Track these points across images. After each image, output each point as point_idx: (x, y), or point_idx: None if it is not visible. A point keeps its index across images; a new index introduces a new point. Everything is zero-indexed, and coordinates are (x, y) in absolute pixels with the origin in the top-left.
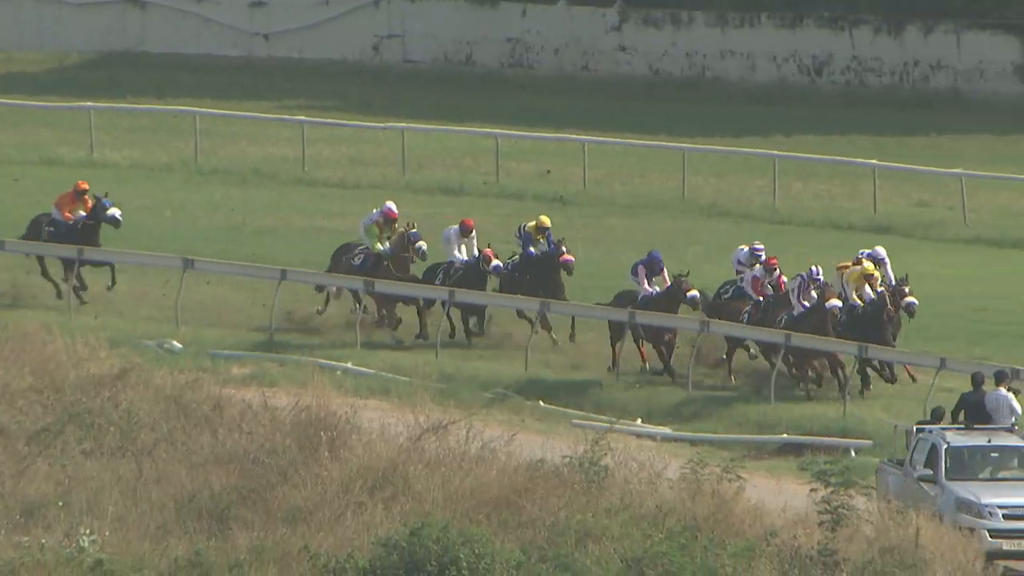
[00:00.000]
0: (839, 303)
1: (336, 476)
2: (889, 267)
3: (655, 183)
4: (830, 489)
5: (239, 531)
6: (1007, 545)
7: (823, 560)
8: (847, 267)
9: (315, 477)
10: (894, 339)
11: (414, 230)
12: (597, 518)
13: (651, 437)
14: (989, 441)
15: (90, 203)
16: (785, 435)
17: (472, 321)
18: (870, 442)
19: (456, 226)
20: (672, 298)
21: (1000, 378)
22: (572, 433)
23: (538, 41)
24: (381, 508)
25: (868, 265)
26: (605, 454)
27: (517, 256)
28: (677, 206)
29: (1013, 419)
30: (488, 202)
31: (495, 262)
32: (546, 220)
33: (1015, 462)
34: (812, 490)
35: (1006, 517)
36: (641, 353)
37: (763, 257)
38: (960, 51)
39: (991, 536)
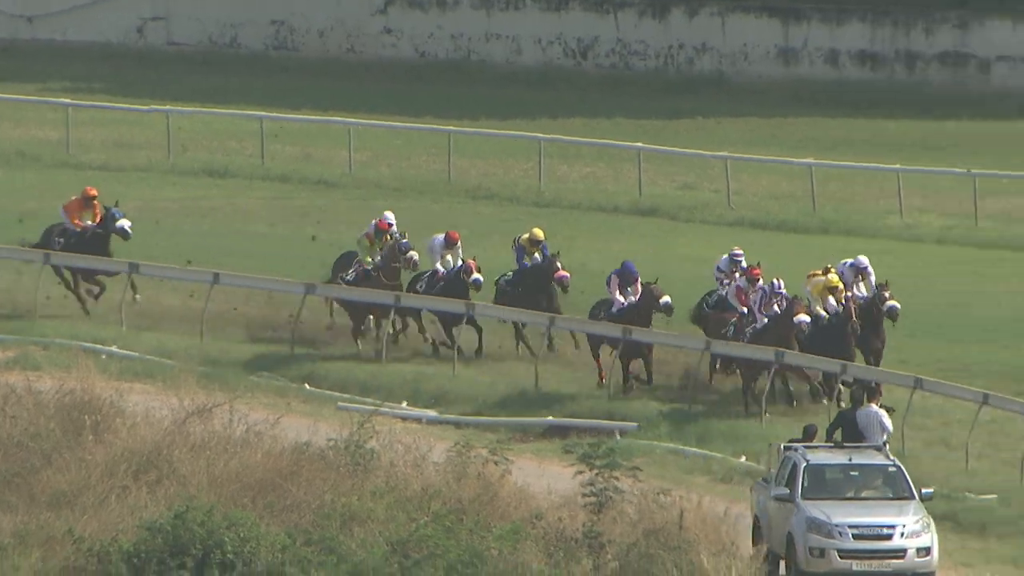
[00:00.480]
0: (807, 318)
1: (100, 460)
2: (872, 276)
3: (421, 166)
4: (595, 471)
5: (2, 515)
6: (857, 566)
7: (588, 542)
8: (816, 275)
9: (79, 461)
10: (882, 346)
11: (405, 240)
12: (363, 501)
13: (417, 420)
14: (850, 460)
15: (99, 211)
16: (550, 418)
17: (455, 332)
18: (635, 424)
19: (441, 236)
20: (646, 307)
21: (871, 394)
22: (338, 416)
23: (303, 24)
24: (146, 492)
25: (832, 276)
26: (371, 437)
27: (511, 272)
28: (443, 189)
29: (884, 437)
30: (254, 184)
31: (475, 275)
32: (539, 233)
33: (878, 481)
34: (577, 472)
35: (856, 537)
36: (625, 370)
37: (743, 263)
38: (724, 34)
39: (840, 556)
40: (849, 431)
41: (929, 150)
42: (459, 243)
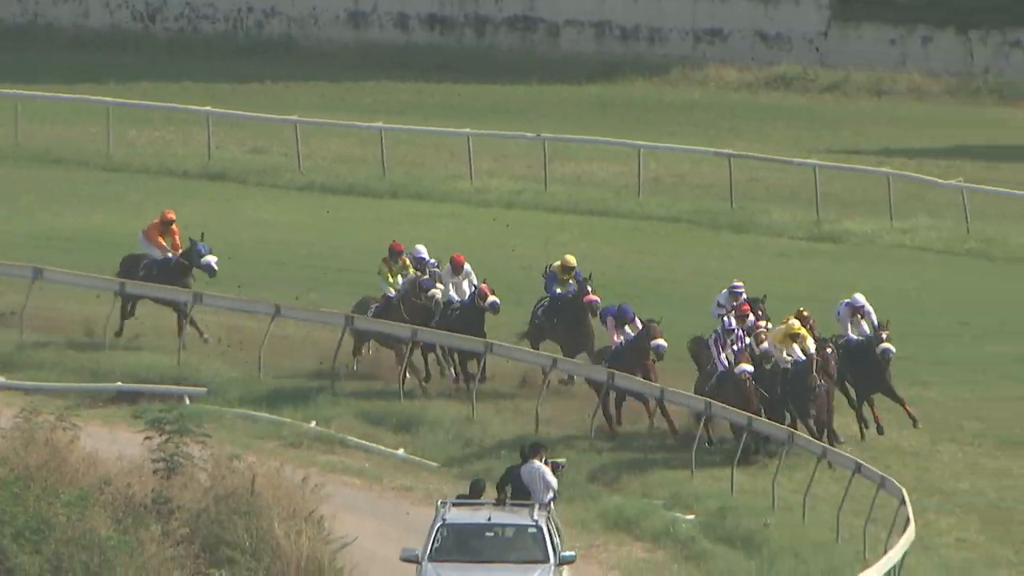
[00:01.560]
0: (749, 368)
1: None
2: (873, 315)
3: None
4: (165, 437)
5: None
6: None
7: (157, 508)
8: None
9: None
10: (885, 386)
11: (426, 277)
12: None
13: None
14: (489, 519)
15: (177, 235)
16: (120, 383)
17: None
18: (204, 390)
19: (447, 265)
20: (641, 346)
21: (534, 451)
22: None
23: None
24: None
25: (793, 323)
26: None
27: (547, 299)
28: (11, 153)
29: (550, 494)
30: None
31: (491, 298)
32: (571, 259)
33: (514, 543)
34: (147, 438)
35: None
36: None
37: (744, 296)
38: None
39: None
40: (516, 487)
41: (499, 114)
42: (466, 266)
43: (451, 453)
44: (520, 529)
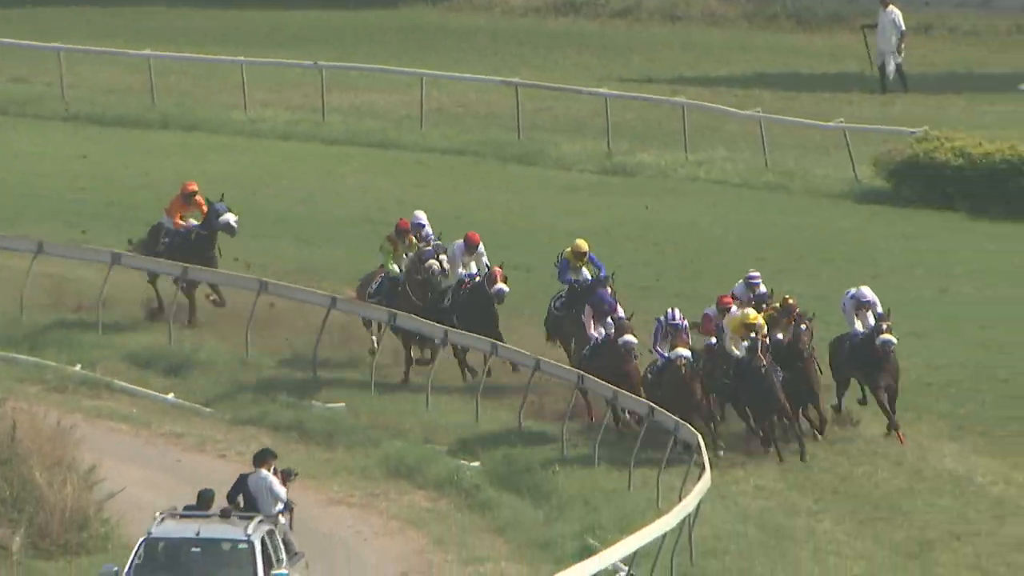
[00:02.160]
0: (686, 352)
1: None
2: (878, 307)
3: None
4: None
5: None
6: None
7: None
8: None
9: None
10: (895, 382)
11: (429, 247)
12: None
13: None
14: (198, 533)
15: (204, 206)
16: None
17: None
18: None
19: (460, 241)
20: (614, 348)
21: (261, 459)
22: None
23: None
24: None
25: (749, 312)
26: None
27: (564, 291)
28: None
29: (279, 506)
30: None
31: (498, 285)
32: (583, 244)
33: (220, 559)
34: None
35: None
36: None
37: (761, 287)
38: None
39: None
40: (246, 497)
41: (274, 42)
42: (481, 246)
43: (224, 398)
44: (230, 544)
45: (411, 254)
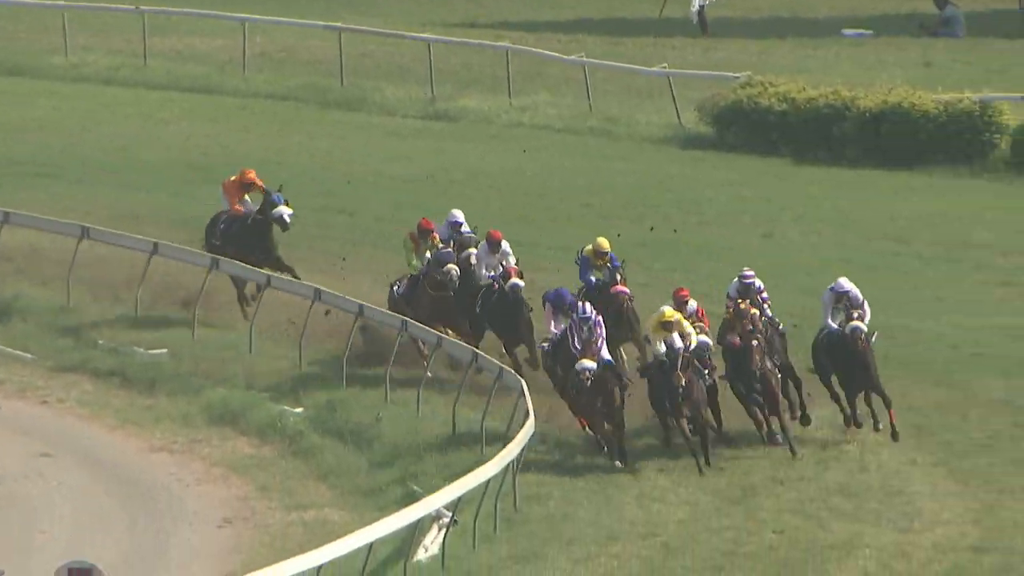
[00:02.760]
0: (591, 364)
1: None
2: (857, 296)
3: None
4: None
5: None
6: None
7: None
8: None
9: None
10: (870, 374)
11: (447, 249)
12: None
13: None
14: None
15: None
16: None
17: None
18: None
19: (484, 242)
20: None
21: None
22: None
23: None
24: None
25: (666, 311)
26: None
27: (583, 289)
28: None
29: None
30: None
31: (513, 280)
32: (604, 243)
33: None
34: None
35: None
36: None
37: (757, 285)
38: None
39: None
40: None
41: None
42: (503, 244)
43: (45, 344)
44: None
45: (432, 254)
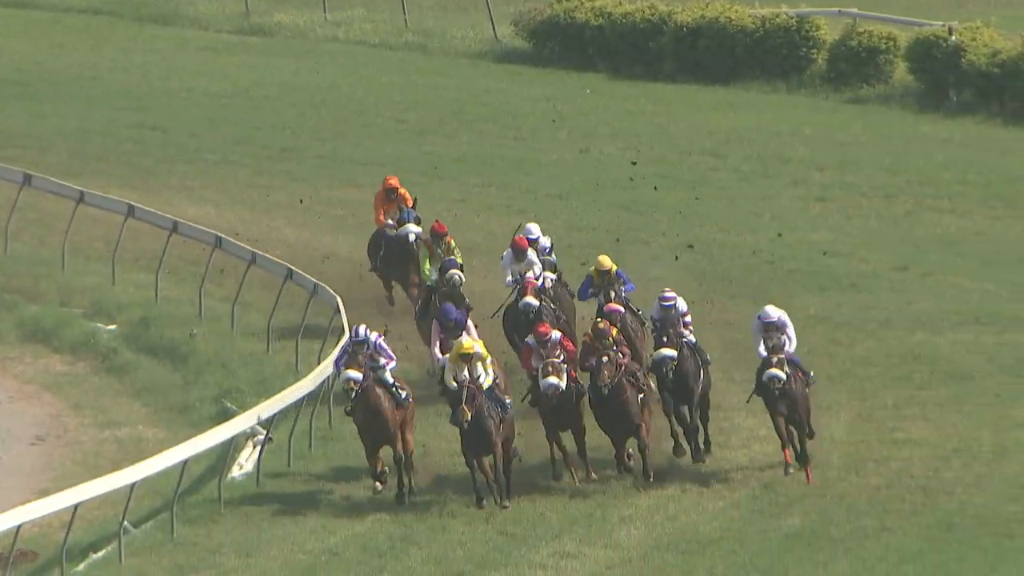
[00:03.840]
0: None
1: None
2: (787, 327)
3: None
4: None
5: None
6: None
7: None
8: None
9: None
10: (795, 414)
11: (451, 257)
12: None
13: None
14: None
15: (409, 200)
16: None
17: None
18: None
19: (509, 249)
20: None
21: None
22: None
23: None
24: None
25: (465, 342)
26: None
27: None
28: None
29: None
30: None
31: (527, 299)
32: (606, 261)
33: None
34: None
35: None
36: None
37: (680, 307)
38: None
39: None
40: None
41: None
42: (529, 252)
43: None
44: None
45: (451, 260)
